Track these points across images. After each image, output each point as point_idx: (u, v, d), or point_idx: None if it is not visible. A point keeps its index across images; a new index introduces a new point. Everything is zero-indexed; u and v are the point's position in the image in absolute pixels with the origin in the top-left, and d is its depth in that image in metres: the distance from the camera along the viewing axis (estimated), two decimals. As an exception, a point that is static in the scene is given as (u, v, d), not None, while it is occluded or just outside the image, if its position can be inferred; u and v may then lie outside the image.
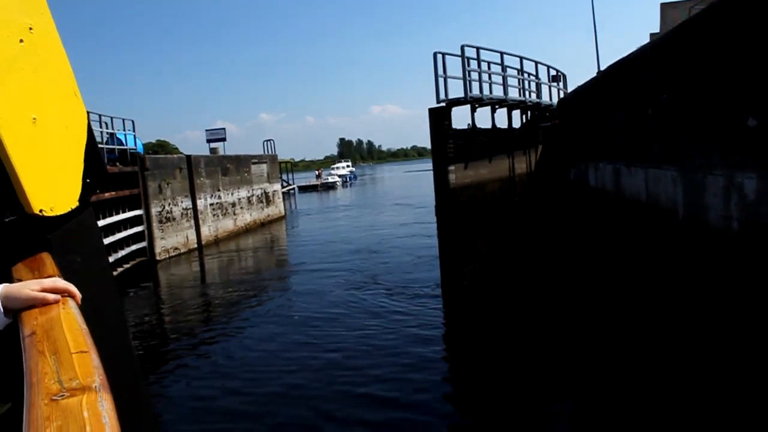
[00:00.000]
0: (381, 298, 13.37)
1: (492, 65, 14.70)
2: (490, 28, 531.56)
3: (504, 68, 15.22)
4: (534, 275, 13.42)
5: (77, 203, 1.73)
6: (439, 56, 12.68)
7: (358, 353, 10.02)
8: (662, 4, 38.90)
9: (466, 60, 13.15)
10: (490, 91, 14.12)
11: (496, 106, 14.92)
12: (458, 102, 13.29)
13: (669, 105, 7.56)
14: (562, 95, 19.79)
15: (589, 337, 9.58)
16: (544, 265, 14.09)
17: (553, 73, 20.06)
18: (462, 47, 13.13)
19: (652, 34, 40.13)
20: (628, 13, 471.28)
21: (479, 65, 13.92)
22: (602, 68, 24.13)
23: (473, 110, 13.87)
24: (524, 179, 16.17)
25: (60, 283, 1.27)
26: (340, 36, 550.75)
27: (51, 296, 1.21)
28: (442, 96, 12.87)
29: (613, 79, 11.11)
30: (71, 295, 1.25)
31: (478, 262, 13.29)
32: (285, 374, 9.33)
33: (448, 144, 13.05)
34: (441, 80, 12.74)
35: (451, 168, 13.01)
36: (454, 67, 13.18)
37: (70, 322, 1.09)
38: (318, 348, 10.46)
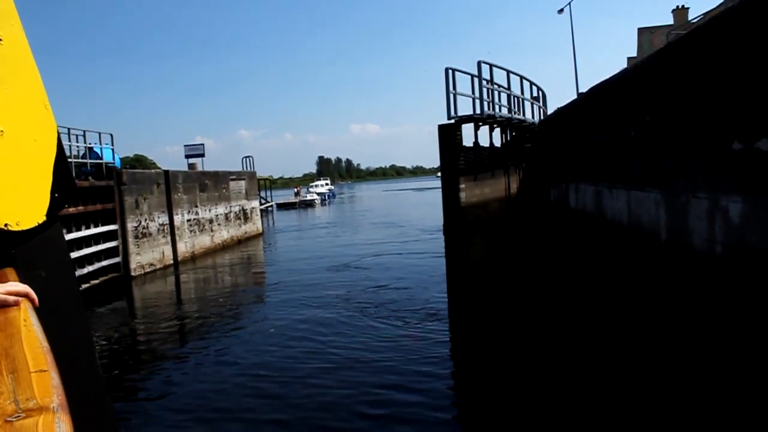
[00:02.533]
0: (370, 318, 13.01)
1: (490, 83, 14.49)
2: (464, 45, 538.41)
3: (510, 87, 15.19)
4: (536, 299, 13.06)
5: (44, 218, 1.65)
6: (450, 72, 12.36)
7: (344, 371, 9.69)
8: (639, 29, 39.82)
9: (480, 77, 12.90)
10: (491, 108, 13.88)
11: (495, 126, 14.73)
12: (470, 119, 13.02)
13: (652, 127, 7.60)
14: (541, 114, 19.95)
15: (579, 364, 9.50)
16: (542, 288, 13.82)
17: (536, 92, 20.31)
18: (479, 63, 12.90)
19: (629, 58, 41.02)
20: (605, 37, 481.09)
21: (492, 83, 13.75)
22: (581, 91, 24.47)
23: (477, 128, 13.63)
24: (516, 198, 16.15)
25: (19, 286, 1.24)
26: (321, 54, 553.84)
27: (11, 298, 1.19)
28: (453, 113, 12.55)
29: (596, 100, 11.19)
30: (29, 298, 1.22)
31: (485, 284, 12.92)
32: (262, 393, 9.04)
33: (459, 161, 12.68)
34: (452, 96, 12.43)
35: (462, 186, 12.61)
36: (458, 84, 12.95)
37: (31, 339, 1.05)
38: (300, 365, 10.18)
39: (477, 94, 13.02)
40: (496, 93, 14.37)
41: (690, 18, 34.00)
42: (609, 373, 8.33)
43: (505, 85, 15.44)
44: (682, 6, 37.28)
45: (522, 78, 16.61)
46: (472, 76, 13.00)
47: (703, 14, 26.93)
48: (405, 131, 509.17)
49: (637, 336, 8.31)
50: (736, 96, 5.35)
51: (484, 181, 13.73)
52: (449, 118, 12.50)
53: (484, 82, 13.41)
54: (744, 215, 5.31)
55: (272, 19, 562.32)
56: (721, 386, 5.86)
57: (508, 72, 15.09)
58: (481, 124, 13.68)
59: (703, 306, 6.21)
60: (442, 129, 12.73)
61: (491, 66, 13.72)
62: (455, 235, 12.61)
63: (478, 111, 13.11)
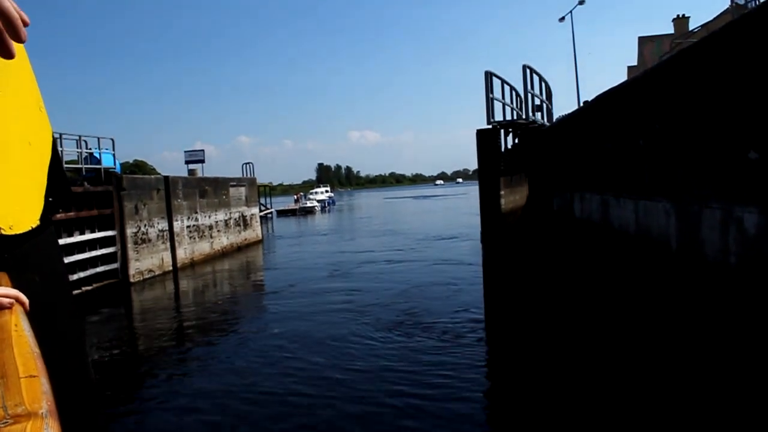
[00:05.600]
0: (377, 330, 12.50)
1: (532, 88, 14.45)
2: (462, 50, 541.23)
3: (542, 92, 15.24)
4: (552, 307, 12.56)
5: (38, 222, 1.58)
6: (489, 76, 12.19)
7: (347, 384, 9.37)
8: (640, 38, 39.97)
9: (525, 84, 12.92)
10: (534, 114, 13.93)
11: (518, 131, 14.63)
12: (511, 125, 12.90)
13: (662, 136, 7.48)
14: (545, 119, 20.00)
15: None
16: (556, 296, 13.47)
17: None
18: (524, 67, 12.88)
19: (630, 67, 41.09)
20: (604, 46, 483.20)
21: (533, 87, 13.72)
22: (582, 100, 24.41)
23: (506, 134, 13.48)
24: (527, 206, 16.16)
25: (10, 290, 1.20)
26: (320, 61, 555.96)
27: (6, 300, 1.15)
28: (491, 117, 12.38)
29: (602, 108, 11.09)
30: (20, 302, 1.19)
31: (514, 293, 12.67)
32: (263, 404, 8.85)
33: (500, 167, 12.56)
34: (490, 101, 12.25)
35: (502, 192, 12.48)
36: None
37: (21, 344, 1.01)
38: (301, 373, 9.97)
39: (522, 100, 13.01)
40: (529, 98, 14.35)
41: (690, 28, 34.13)
42: (617, 384, 8.19)
43: (537, 95, 15.47)
44: (683, 15, 37.52)
45: (546, 85, 16.69)
46: (503, 83, 12.93)
47: (702, 25, 27.06)
48: (404, 139, 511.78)
49: (647, 344, 8.17)
50: (753, 104, 5.23)
51: (516, 187, 13.67)
52: (488, 123, 12.39)
53: (506, 89, 13.40)
54: (760, 226, 5.18)
55: (272, 26, 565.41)
56: (735, 399, 5.72)
57: (540, 78, 15.08)
58: (511, 130, 13.58)
59: (716, 313, 6.07)
60: (481, 134, 12.62)
61: (532, 71, 13.68)
62: (495, 242, 12.36)
63: (522, 117, 13.08)
